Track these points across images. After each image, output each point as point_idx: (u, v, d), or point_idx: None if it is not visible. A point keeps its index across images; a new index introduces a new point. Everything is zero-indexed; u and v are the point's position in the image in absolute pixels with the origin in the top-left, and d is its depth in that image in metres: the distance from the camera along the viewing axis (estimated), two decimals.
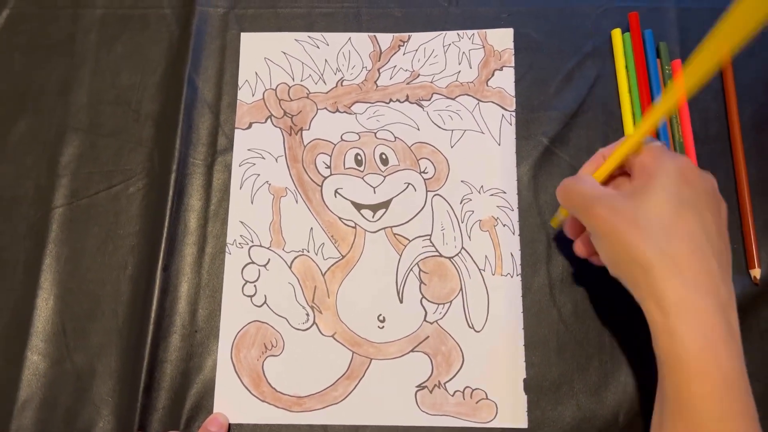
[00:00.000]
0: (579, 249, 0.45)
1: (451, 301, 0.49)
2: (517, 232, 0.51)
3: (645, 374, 0.47)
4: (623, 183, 0.43)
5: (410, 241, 0.51)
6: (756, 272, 0.49)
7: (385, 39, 0.56)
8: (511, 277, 0.50)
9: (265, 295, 0.50)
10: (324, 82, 0.55)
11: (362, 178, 0.52)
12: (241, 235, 0.51)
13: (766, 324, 0.48)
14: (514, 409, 0.47)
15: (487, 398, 0.47)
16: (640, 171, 0.40)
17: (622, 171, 0.43)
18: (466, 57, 0.55)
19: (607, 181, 0.44)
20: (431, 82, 0.54)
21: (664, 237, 0.36)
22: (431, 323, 0.49)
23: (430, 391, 0.48)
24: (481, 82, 0.54)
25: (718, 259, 0.37)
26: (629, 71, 0.54)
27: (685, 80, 0.36)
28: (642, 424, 0.46)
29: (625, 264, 0.38)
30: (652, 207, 0.37)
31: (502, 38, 0.55)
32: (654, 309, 0.36)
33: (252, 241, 0.51)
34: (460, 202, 0.51)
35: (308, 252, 0.51)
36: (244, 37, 0.56)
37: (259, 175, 0.52)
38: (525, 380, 0.47)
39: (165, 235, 0.50)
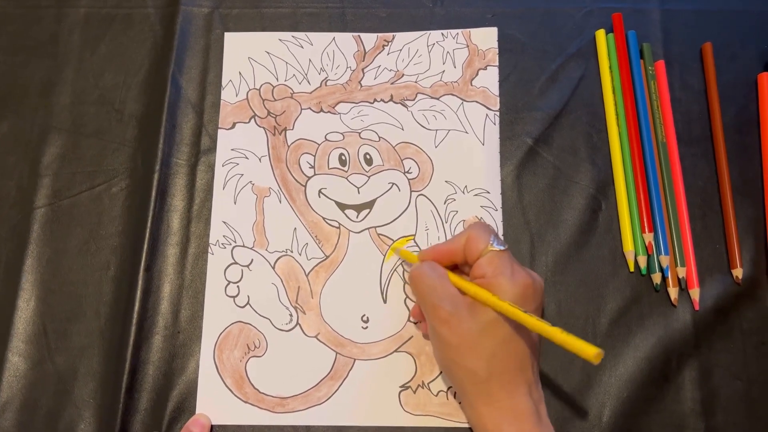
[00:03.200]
0: (415, 317, 0.49)
1: None
2: (501, 232, 0.51)
3: (629, 374, 0.47)
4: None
5: (394, 241, 0.51)
6: (738, 272, 0.49)
7: (370, 39, 0.56)
8: None
9: (248, 296, 0.50)
10: (308, 82, 0.55)
11: (346, 178, 0.52)
12: (224, 236, 0.51)
13: (748, 324, 0.48)
14: None
15: None
16: (480, 276, 0.41)
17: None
18: (450, 56, 0.55)
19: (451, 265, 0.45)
20: (415, 82, 0.54)
21: (497, 357, 0.40)
22: (415, 323, 0.49)
23: (414, 392, 0.47)
24: (465, 82, 0.54)
25: (533, 364, 0.42)
26: (613, 72, 0.54)
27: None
28: (626, 423, 0.46)
29: (457, 367, 0.41)
30: (488, 329, 0.40)
31: (486, 37, 0.55)
32: (485, 411, 0.40)
33: (235, 242, 0.51)
34: (444, 202, 0.51)
35: (292, 252, 0.51)
36: (228, 36, 0.56)
37: (242, 175, 0.52)
38: None
39: (148, 235, 0.50)
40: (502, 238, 0.42)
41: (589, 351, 0.35)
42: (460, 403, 0.47)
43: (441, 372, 0.48)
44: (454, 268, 0.45)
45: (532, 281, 0.41)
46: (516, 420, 0.39)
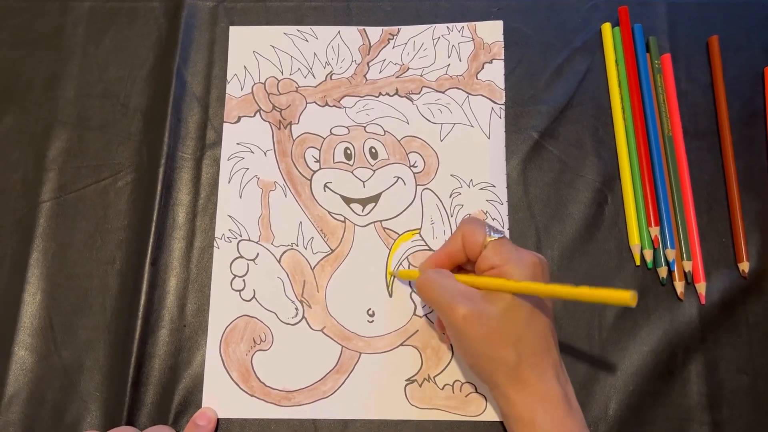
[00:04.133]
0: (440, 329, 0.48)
1: None
2: (507, 226, 0.50)
3: (635, 367, 0.47)
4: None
5: (399, 234, 0.51)
6: (744, 266, 0.49)
7: (375, 32, 0.56)
8: None
9: (253, 290, 0.50)
10: (313, 75, 0.55)
11: (351, 172, 0.52)
12: (229, 230, 0.51)
13: (754, 317, 0.48)
14: None
15: (476, 392, 0.47)
16: (488, 268, 0.41)
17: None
18: (455, 50, 0.55)
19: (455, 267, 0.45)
20: (421, 76, 0.54)
21: (523, 340, 0.40)
22: (421, 317, 0.49)
23: (420, 385, 0.47)
24: (471, 75, 0.54)
25: (556, 343, 0.42)
26: (619, 65, 0.54)
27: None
28: (631, 417, 0.46)
29: (486, 359, 0.41)
30: (509, 314, 0.40)
31: (492, 31, 0.55)
32: (517, 398, 0.40)
33: (241, 236, 0.51)
34: (450, 196, 0.51)
35: (297, 246, 0.51)
36: (233, 30, 0.56)
37: (247, 169, 0.52)
38: None
39: (153, 229, 0.50)
40: (496, 226, 0.42)
41: (624, 296, 0.34)
42: (474, 396, 0.47)
43: (447, 366, 0.48)
44: (458, 270, 0.45)
45: (538, 260, 0.41)
46: (549, 406, 0.39)
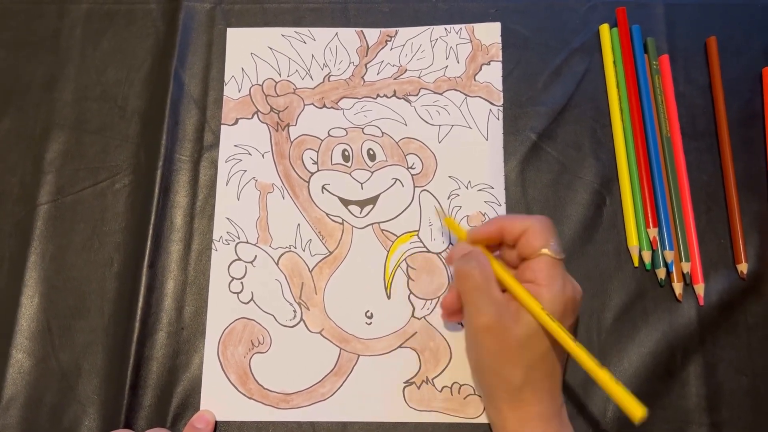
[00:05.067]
0: (446, 310, 0.46)
1: (439, 297, 0.49)
2: None
3: (633, 369, 0.47)
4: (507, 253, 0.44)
5: (397, 236, 0.51)
6: (743, 267, 0.49)
7: (372, 34, 0.56)
8: None
9: (251, 292, 0.49)
10: (311, 77, 0.55)
11: (349, 174, 0.52)
12: (227, 232, 0.51)
13: (752, 319, 0.48)
14: None
15: (474, 394, 0.47)
16: (530, 278, 0.40)
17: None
18: (453, 52, 0.55)
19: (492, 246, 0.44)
20: (418, 77, 0.54)
21: (534, 368, 0.39)
22: (419, 319, 0.49)
23: (418, 387, 0.47)
24: (469, 77, 0.54)
25: (563, 372, 0.42)
26: (617, 67, 0.54)
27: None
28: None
29: (492, 373, 0.40)
30: (530, 340, 0.39)
31: (490, 32, 0.55)
32: (510, 414, 0.40)
33: (238, 238, 0.51)
34: (448, 198, 0.51)
35: (295, 248, 0.50)
36: (230, 32, 0.56)
37: (245, 171, 0.52)
38: None
39: (151, 231, 0.50)
40: (560, 244, 0.41)
41: (636, 411, 0.34)
42: (468, 399, 0.47)
43: (445, 368, 0.48)
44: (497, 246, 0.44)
45: (578, 298, 0.40)
46: (540, 423, 0.39)
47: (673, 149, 0.52)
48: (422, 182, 0.52)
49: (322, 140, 0.53)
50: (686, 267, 0.49)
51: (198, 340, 0.49)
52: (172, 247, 0.50)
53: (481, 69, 0.54)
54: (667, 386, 0.47)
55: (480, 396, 0.47)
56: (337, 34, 0.56)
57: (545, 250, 0.40)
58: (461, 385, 0.47)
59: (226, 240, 0.51)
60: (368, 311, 0.49)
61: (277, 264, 0.50)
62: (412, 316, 0.49)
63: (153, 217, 0.50)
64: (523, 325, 0.39)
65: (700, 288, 0.48)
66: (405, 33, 0.56)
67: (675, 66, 0.54)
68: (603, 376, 0.36)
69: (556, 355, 0.40)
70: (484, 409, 0.46)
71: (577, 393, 0.47)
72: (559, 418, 0.40)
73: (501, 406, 0.40)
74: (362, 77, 0.54)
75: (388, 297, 0.49)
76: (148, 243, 0.50)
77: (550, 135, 0.53)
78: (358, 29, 0.56)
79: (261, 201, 0.52)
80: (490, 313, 0.39)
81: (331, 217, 0.51)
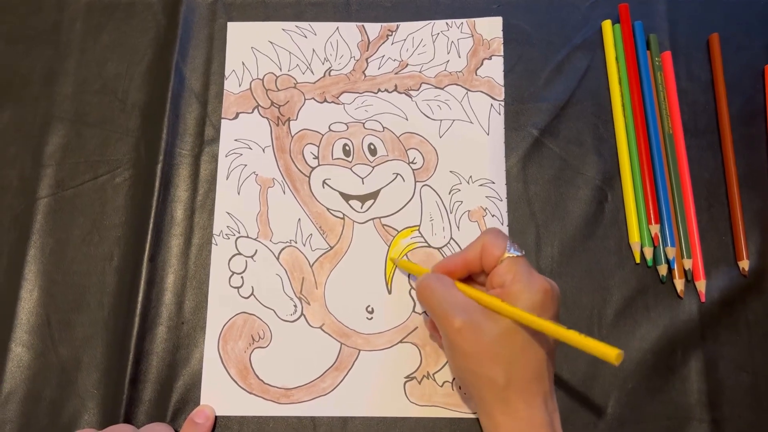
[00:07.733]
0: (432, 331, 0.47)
1: None
2: (506, 222, 0.50)
3: (634, 365, 0.47)
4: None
5: (398, 231, 0.50)
6: (744, 264, 0.49)
7: (374, 28, 0.55)
8: None
9: (252, 287, 0.49)
10: (311, 72, 0.54)
11: (350, 169, 0.52)
12: (228, 226, 0.51)
13: (754, 316, 0.48)
14: None
15: None
16: (498, 284, 0.41)
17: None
18: (454, 46, 0.55)
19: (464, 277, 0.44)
20: (420, 72, 0.54)
21: (515, 364, 0.39)
22: (420, 314, 0.49)
23: (419, 382, 0.47)
24: (470, 72, 0.54)
25: (550, 374, 0.41)
26: (619, 63, 0.54)
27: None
28: (631, 414, 0.46)
29: (475, 376, 0.40)
30: (505, 335, 0.39)
31: (491, 27, 0.55)
32: (501, 420, 0.39)
33: (239, 232, 0.50)
34: (449, 193, 0.51)
35: (296, 243, 0.50)
36: (231, 26, 0.56)
37: (246, 165, 0.52)
38: None
39: (151, 225, 0.50)
40: (517, 244, 0.42)
41: (610, 353, 0.34)
42: (468, 408, 0.47)
43: (446, 363, 0.47)
44: (467, 279, 0.44)
45: (550, 288, 0.40)
46: (532, 429, 0.39)
47: (675, 146, 0.51)
48: (423, 177, 0.52)
49: (323, 135, 0.53)
50: (688, 263, 0.49)
51: (198, 335, 0.48)
52: (172, 241, 0.50)
53: (482, 64, 0.54)
54: (667, 382, 0.47)
55: None
56: (338, 28, 0.55)
57: (506, 254, 0.41)
58: None
59: (226, 234, 0.50)
60: (369, 306, 0.49)
61: (277, 259, 0.50)
62: (413, 311, 0.49)
63: (153, 211, 0.50)
64: (495, 321, 0.39)
65: (701, 284, 0.48)
66: (406, 27, 0.55)
67: (677, 63, 0.54)
68: (571, 335, 0.36)
69: (540, 354, 0.40)
70: (479, 420, 0.45)
71: (578, 389, 0.47)
72: (551, 427, 0.39)
73: (492, 412, 0.40)
74: (363, 72, 0.54)
75: (389, 292, 0.49)
76: (149, 237, 0.50)
77: (551, 131, 0.53)
78: (359, 24, 0.56)
79: (261, 195, 0.51)
80: (457, 315, 0.39)
81: (331, 211, 0.51)
